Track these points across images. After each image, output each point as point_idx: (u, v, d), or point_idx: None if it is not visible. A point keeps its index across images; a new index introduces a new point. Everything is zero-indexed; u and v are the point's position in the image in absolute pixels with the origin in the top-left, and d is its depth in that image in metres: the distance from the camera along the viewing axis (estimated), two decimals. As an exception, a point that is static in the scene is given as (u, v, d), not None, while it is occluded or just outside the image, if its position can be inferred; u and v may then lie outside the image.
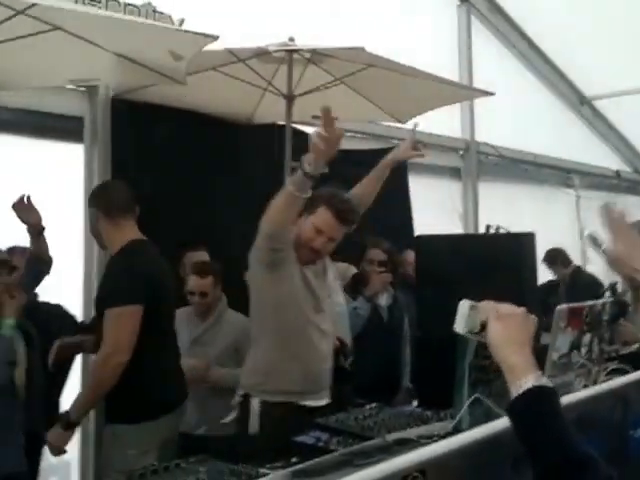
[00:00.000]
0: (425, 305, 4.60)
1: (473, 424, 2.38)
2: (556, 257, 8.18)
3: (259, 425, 3.57)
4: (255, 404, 3.59)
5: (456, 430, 2.39)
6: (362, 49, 4.23)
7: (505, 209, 8.28)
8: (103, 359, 3.52)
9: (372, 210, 6.28)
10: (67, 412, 3.57)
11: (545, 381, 1.64)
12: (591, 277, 7.97)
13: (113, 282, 3.66)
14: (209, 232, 5.24)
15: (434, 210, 7.76)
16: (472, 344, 2.44)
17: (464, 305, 1.85)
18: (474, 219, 8.17)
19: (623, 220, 2.37)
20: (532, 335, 1.76)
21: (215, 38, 3.71)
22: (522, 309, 1.81)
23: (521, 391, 1.61)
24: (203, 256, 4.99)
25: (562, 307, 2.66)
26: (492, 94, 5.58)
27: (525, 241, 4.61)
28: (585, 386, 2.86)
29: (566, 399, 2.63)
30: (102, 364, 3.54)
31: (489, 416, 2.39)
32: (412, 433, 2.55)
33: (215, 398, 4.39)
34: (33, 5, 3.43)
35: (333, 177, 5.80)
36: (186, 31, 3.83)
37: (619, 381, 2.85)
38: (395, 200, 7.00)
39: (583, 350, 2.88)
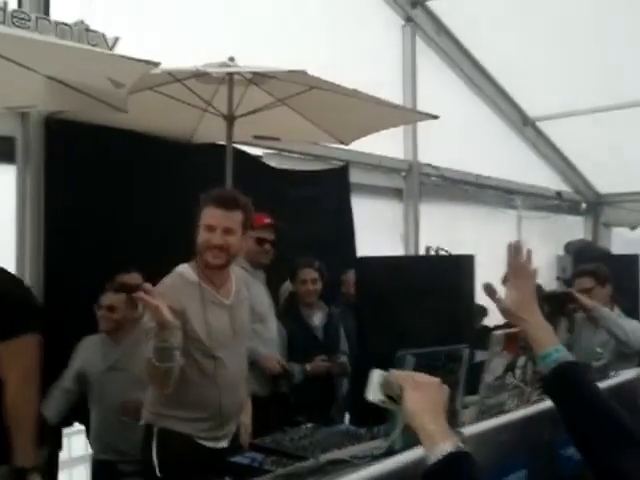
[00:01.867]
0: (364, 324, 4.64)
1: (406, 445, 2.39)
2: None
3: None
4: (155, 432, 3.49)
5: (389, 451, 2.39)
6: (303, 72, 4.19)
7: (447, 230, 8.37)
8: (26, 390, 3.25)
9: (316, 230, 6.36)
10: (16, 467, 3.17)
11: (461, 446, 1.69)
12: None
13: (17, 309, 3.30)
14: (146, 253, 5.11)
15: (376, 230, 7.80)
16: (408, 367, 2.45)
17: (376, 374, 1.87)
18: (415, 240, 8.21)
19: (527, 264, 2.26)
20: (445, 404, 1.81)
21: (156, 65, 3.64)
22: (436, 379, 1.86)
23: (440, 456, 1.66)
24: (134, 278, 4.94)
25: (499, 333, 2.71)
26: (436, 117, 5.54)
27: (464, 263, 4.69)
28: (518, 405, 2.92)
29: (499, 419, 2.69)
30: (28, 394, 3.26)
31: (422, 437, 2.41)
32: (346, 453, 2.56)
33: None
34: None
35: (273, 196, 5.86)
36: (126, 57, 3.73)
37: (550, 402, 2.89)
38: (339, 220, 7.05)
39: (517, 372, 2.93)
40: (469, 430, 2.48)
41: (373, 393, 1.85)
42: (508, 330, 2.77)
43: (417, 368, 2.46)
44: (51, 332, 4.69)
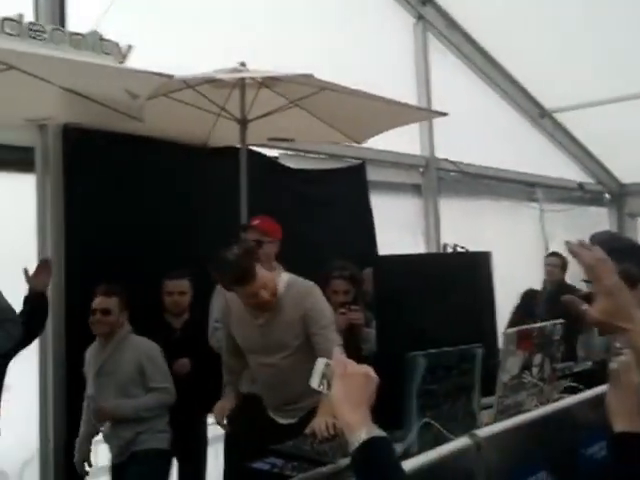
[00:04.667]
0: (383, 323, 4.62)
1: (422, 448, 2.38)
2: None
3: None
4: None
5: (405, 454, 2.38)
6: (311, 75, 4.22)
7: (468, 225, 8.28)
8: None
9: (335, 228, 6.34)
10: None
11: (377, 432, 1.69)
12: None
13: None
14: (165, 258, 5.17)
15: (397, 228, 7.76)
16: (420, 368, 2.44)
17: (320, 362, 1.87)
18: (436, 236, 8.15)
19: (604, 259, 1.78)
20: (372, 393, 1.77)
21: (170, 77, 3.72)
22: (366, 368, 1.82)
23: (357, 444, 1.66)
24: (182, 284, 5.02)
25: (511, 331, 2.69)
26: (445, 114, 5.57)
27: (481, 259, 4.64)
28: (537, 405, 2.89)
29: (517, 419, 2.66)
30: None
31: (438, 440, 2.40)
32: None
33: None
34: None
35: (291, 196, 5.87)
36: (141, 71, 3.80)
37: (570, 400, 2.86)
38: (359, 220, 7.02)
39: (534, 370, 2.90)
40: (486, 431, 2.46)
41: (315, 381, 1.86)
42: (520, 328, 2.74)
43: (429, 369, 2.45)
44: (71, 336, 4.80)
